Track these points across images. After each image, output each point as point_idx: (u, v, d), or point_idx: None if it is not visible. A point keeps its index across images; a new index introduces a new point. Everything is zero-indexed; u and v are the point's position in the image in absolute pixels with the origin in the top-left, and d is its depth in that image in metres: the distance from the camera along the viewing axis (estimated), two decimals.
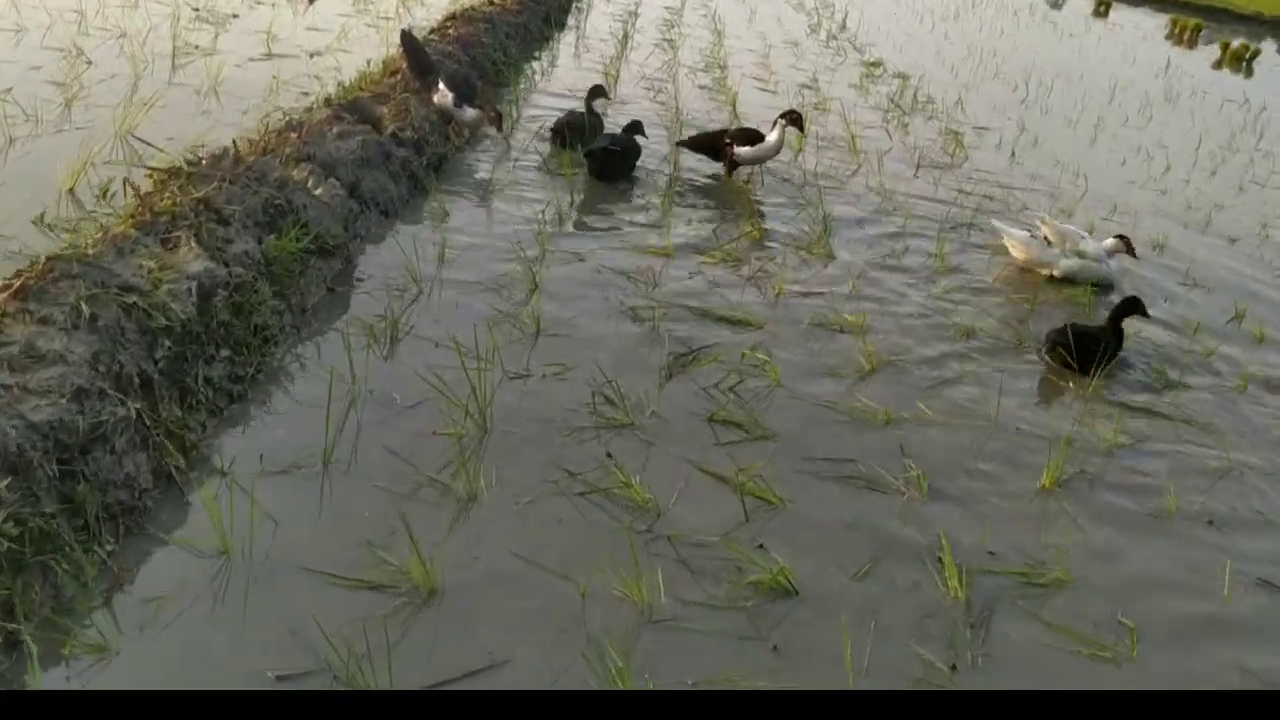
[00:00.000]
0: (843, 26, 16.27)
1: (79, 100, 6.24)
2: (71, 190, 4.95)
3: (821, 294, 5.37)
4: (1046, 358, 5.01)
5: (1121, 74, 16.17)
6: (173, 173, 4.07)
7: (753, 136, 7.00)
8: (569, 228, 5.77)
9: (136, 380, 3.04)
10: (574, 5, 14.43)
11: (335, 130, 5.29)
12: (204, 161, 4.26)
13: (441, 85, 6.69)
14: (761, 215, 6.47)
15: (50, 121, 5.87)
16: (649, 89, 9.50)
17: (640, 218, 6.09)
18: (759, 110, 8.98)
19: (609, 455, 3.65)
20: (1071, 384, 4.81)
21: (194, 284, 3.38)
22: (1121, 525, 3.81)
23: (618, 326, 4.65)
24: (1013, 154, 9.30)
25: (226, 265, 3.71)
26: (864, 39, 15.34)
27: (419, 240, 5.18)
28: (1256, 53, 22.09)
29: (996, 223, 6.42)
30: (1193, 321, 5.87)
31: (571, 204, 6.11)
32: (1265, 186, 9.96)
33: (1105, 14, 29.02)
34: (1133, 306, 5.19)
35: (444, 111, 6.72)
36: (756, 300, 5.19)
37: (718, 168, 7.23)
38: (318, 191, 4.55)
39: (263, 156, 4.58)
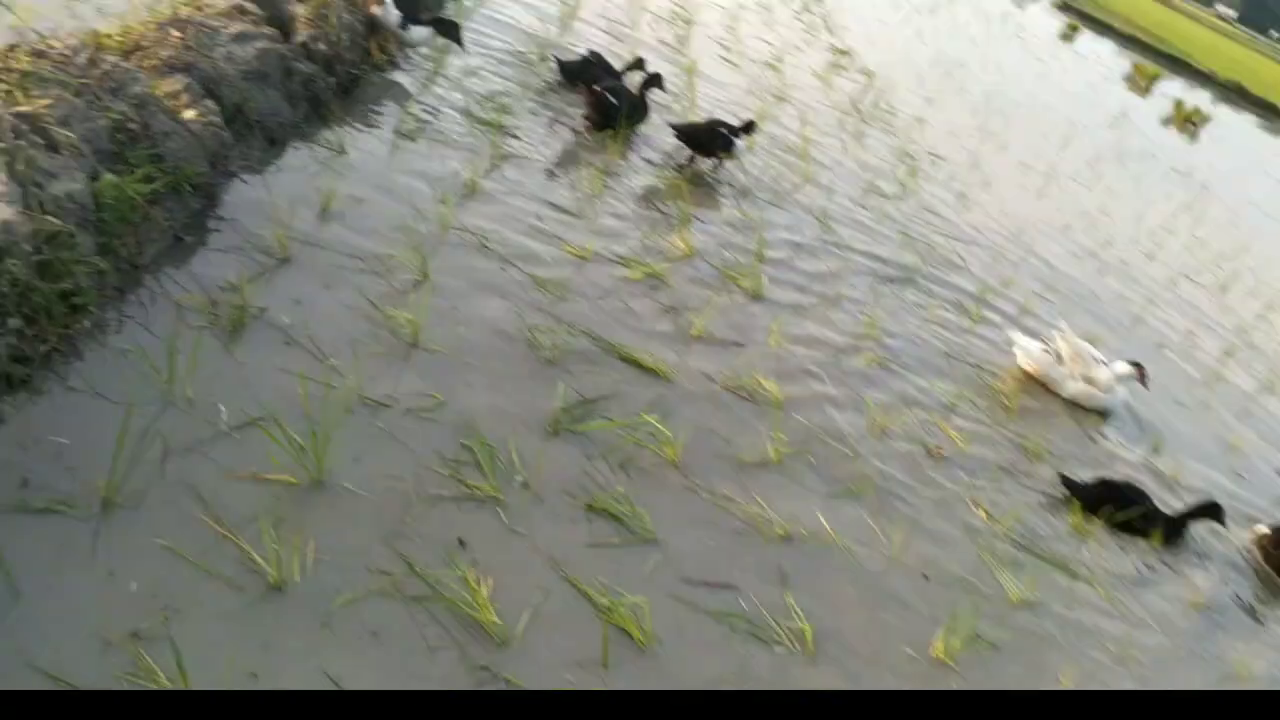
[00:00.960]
0: None
1: None
2: None
3: (741, 345, 4.82)
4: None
5: (1079, 116, 15.90)
6: (3, 70, 3.24)
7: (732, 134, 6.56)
8: (480, 195, 5.05)
9: None
10: None
11: (232, 31, 4.45)
12: (52, 54, 3.43)
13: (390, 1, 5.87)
14: (696, 224, 5.85)
15: None
16: (608, 31, 8.70)
17: (563, 200, 5.41)
18: (716, 89, 8.32)
19: (461, 543, 3.05)
20: (983, 514, 4.39)
21: None
22: None
23: (509, 350, 4.01)
24: (962, 195, 8.86)
25: (41, 208, 2.94)
26: (837, 19, 14.65)
27: (303, 182, 4.42)
28: (1206, 119, 22.18)
29: (1014, 335, 5.95)
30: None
31: (490, 166, 5.38)
32: (1196, 283, 9.78)
33: (1072, 38, 28.83)
34: (1211, 512, 4.91)
35: (381, 25, 5.90)
36: (670, 339, 4.60)
37: (660, 147, 6.60)
38: (188, 115, 3.76)
39: (128, 59, 3.76)
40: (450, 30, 6.14)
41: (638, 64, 7.03)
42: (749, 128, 6.78)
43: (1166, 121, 20.84)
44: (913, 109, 11.06)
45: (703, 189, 6.44)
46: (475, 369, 3.81)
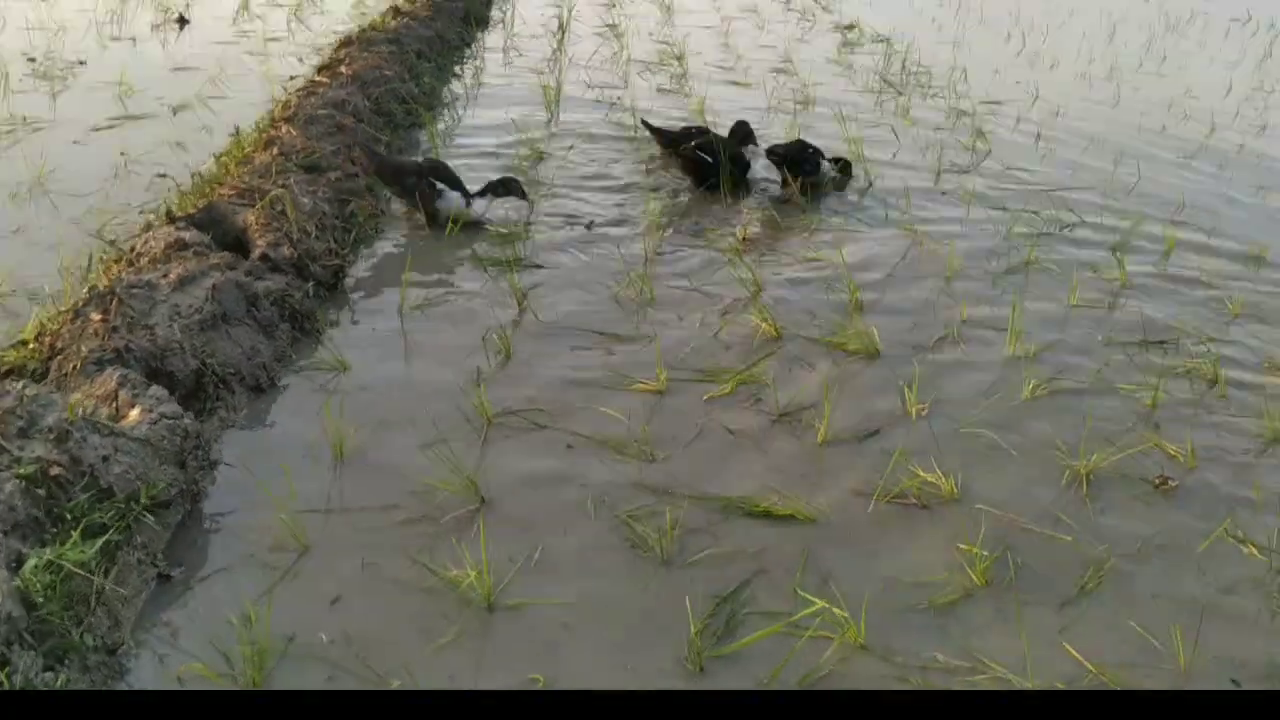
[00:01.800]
0: None
1: None
2: None
3: (878, 433, 3.86)
4: None
5: (1109, 2, 14.63)
6: None
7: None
8: (517, 360, 4.18)
9: None
10: None
11: (172, 278, 3.69)
12: None
13: (443, 188, 5.21)
14: (771, 291, 4.91)
15: None
16: (599, 100, 7.87)
17: (612, 320, 4.53)
18: (734, 117, 7.39)
19: None
20: (1253, 551, 3.35)
21: None
22: None
23: (609, 563, 3.11)
24: (1039, 137, 7.78)
25: None
26: None
27: (303, 428, 3.60)
28: None
29: None
30: None
31: (517, 316, 4.53)
32: None
33: None
34: None
35: (442, 213, 5.28)
36: (795, 460, 3.67)
37: (695, 215, 5.72)
38: (131, 417, 2.97)
39: (46, 370, 3.00)
40: (510, 187, 5.40)
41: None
42: (843, 166, 6.36)
43: None
44: (944, 60, 10.01)
45: (761, 244, 5.51)
46: (574, 610, 2.92)
